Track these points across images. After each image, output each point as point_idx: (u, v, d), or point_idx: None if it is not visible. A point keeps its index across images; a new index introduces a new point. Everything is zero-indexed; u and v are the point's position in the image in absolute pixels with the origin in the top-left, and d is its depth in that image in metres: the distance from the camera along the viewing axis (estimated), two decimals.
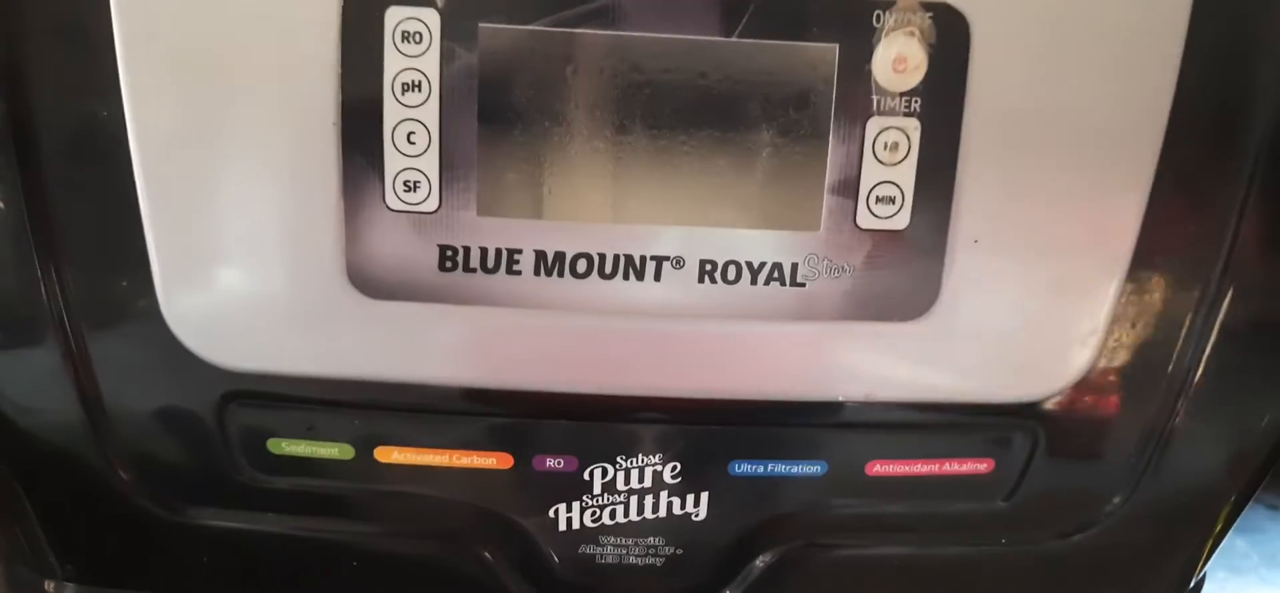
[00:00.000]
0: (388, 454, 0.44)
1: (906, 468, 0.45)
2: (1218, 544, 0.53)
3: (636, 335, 0.41)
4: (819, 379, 0.42)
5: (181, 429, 0.45)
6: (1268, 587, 1.42)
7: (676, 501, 0.46)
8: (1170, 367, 0.44)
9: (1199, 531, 0.50)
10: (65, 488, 0.47)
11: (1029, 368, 0.43)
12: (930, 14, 0.38)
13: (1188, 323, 0.44)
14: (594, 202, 0.39)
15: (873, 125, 0.39)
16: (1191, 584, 0.55)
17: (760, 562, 0.48)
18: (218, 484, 0.46)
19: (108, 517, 0.47)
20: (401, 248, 0.40)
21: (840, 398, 0.43)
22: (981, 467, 0.46)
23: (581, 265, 0.40)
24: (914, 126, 0.39)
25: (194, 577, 0.49)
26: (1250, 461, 0.47)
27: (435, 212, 0.39)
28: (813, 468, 0.45)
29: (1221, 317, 0.43)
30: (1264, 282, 0.44)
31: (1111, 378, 0.43)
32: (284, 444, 0.44)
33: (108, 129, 0.39)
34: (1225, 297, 0.43)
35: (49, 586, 0.50)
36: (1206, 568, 0.57)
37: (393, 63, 0.37)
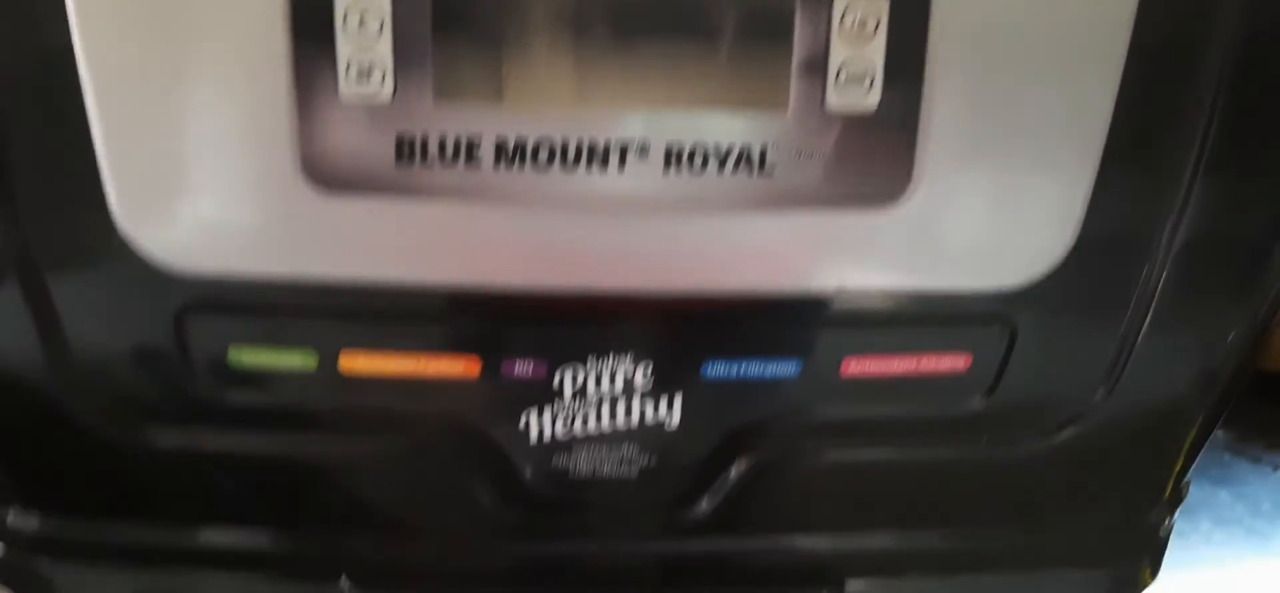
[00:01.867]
0: (352, 362, 0.43)
1: (882, 366, 0.45)
2: (1199, 449, 0.52)
3: (602, 229, 0.40)
4: (791, 270, 0.41)
5: (139, 346, 0.43)
6: (1254, 537, 1.43)
7: (649, 406, 0.45)
8: (1148, 255, 0.43)
9: (1179, 431, 0.50)
10: (22, 413, 0.46)
11: (1005, 255, 0.42)
12: None
13: (1165, 210, 0.43)
14: (555, 85, 0.38)
15: (840, 2, 0.38)
16: (1173, 493, 0.54)
17: (735, 471, 0.47)
18: (178, 402, 0.44)
19: (66, 442, 0.46)
20: (357, 140, 0.38)
21: (813, 290, 0.42)
22: (959, 363, 0.45)
23: (543, 154, 0.39)
24: (883, 3, 0.38)
25: (158, 502, 0.48)
26: (1231, 353, 0.46)
27: (391, 100, 0.38)
28: (786, 368, 0.44)
29: (1198, 200, 0.42)
30: (1238, 167, 0.43)
31: (1089, 266, 0.43)
32: (245, 354, 0.43)
33: (50, 28, 0.37)
34: (1203, 179, 0.42)
35: (10, 515, 0.49)
36: (1190, 482, 0.56)
37: None
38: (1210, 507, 1.49)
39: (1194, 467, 0.54)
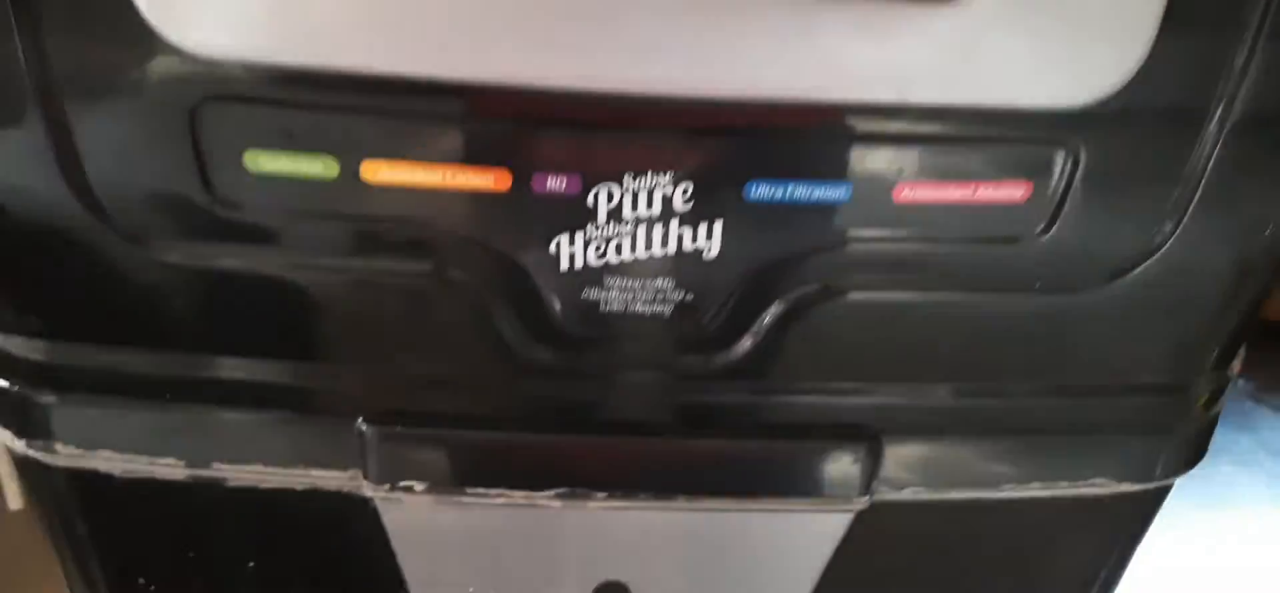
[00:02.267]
0: (375, 171, 0.41)
1: (937, 193, 0.42)
2: (1248, 324, 0.50)
3: (644, 19, 0.38)
4: (843, 73, 0.39)
5: (153, 148, 0.41)
6: (1275, 481, 1.41)
7: (687, 232, 0.42)
8: (1221, 78, 0.41)
9: (1235, 290, 0.47)
10: (31, 230, 0.43)
11: (1072, 69, 0.39)
12: None
13: (1243, 27, 0.40)
14: None
15: None
16: (1219, 367, 0.51)
17: (776, 310, 0.45)
18: (193, 214, 0.42)
19: (78, 260, 0.44)
20: None
21: (866, 99, 0.39)
22: (1018, 192, 0.42)
23: None
24: None
25: (168, 329, 0.46)
26: None
27: None
28: (836, 192, 0.42)
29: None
30: None
31: (1160, 85, 0.40)
32: (262, 159, 0.40)
33: None
34: None
35: (13, 345, 0.47)
36: (1235, 376, 0.54)
37: None
38: (1231, 452, 1.49)
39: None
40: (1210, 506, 1.25)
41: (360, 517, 0.50)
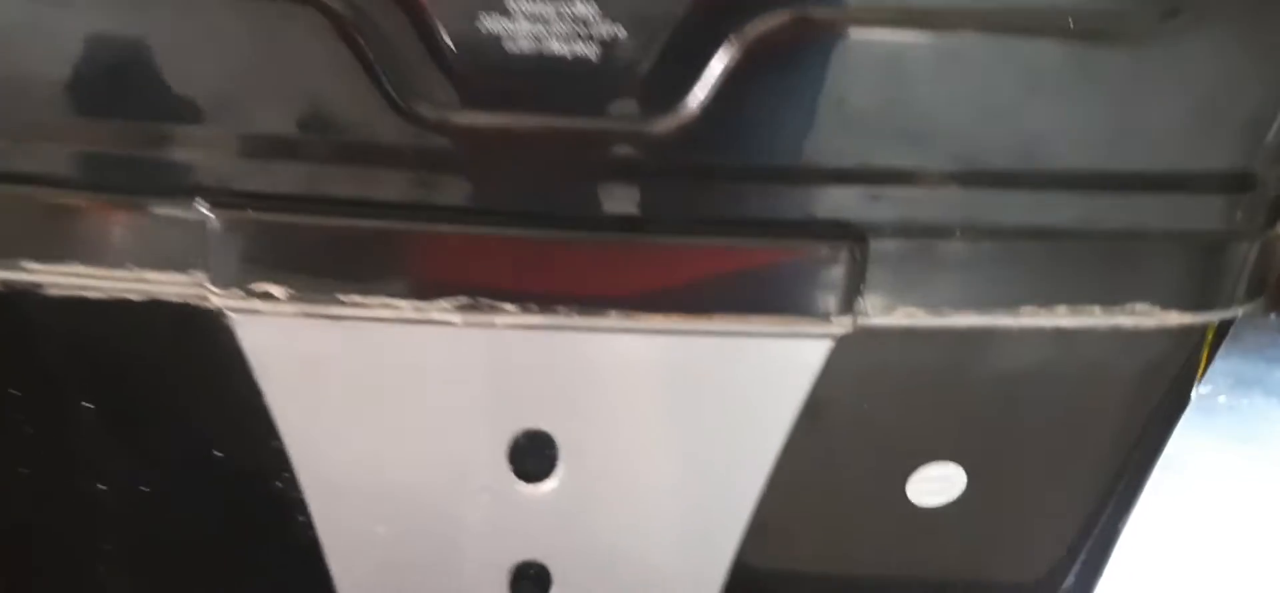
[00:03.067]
0: None
1: None
2: None
3: None
4: None
5: None
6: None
7: None
8: None
9: None
10: None
11: None
12: None
13: None
14: None
15: None
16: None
17: (731, 49, 0.34)
18: None
19: None
20: None
21: None
22: None
23: None
24: None
25: None
26: None
27: None
28: None
29: None
30: None
31: None
32: None
33: None
34: None
35: None
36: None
37: None
38: (1264, 384, 1.41)
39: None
40: (1243, 439, 1.16)
41: (213, 340, 0.40)
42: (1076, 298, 0.41)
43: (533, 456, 0.43)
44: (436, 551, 0.46)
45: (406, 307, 0.38)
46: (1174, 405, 0.49)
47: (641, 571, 0.46)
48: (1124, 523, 0.55)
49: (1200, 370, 0.48)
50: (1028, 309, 0.41)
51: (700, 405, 0.42)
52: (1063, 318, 0.41)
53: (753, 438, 0.43)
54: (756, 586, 0.49)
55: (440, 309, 0.38)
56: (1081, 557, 0.54)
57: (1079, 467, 0.49)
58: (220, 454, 0.44)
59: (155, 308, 0.39)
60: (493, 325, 0.39)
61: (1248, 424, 1.20)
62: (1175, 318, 0.42)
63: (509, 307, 0.38)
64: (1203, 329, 0.44)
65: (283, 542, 0.46)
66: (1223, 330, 0.48)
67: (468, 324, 0.38)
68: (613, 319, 0.39)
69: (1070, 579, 0.54)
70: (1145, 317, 0.42)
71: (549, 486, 0.44)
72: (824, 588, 0.52)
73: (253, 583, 0.49)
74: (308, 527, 0.46)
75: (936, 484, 0.46)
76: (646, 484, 0.44)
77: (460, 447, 0.42)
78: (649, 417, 0.42)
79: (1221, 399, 1.22)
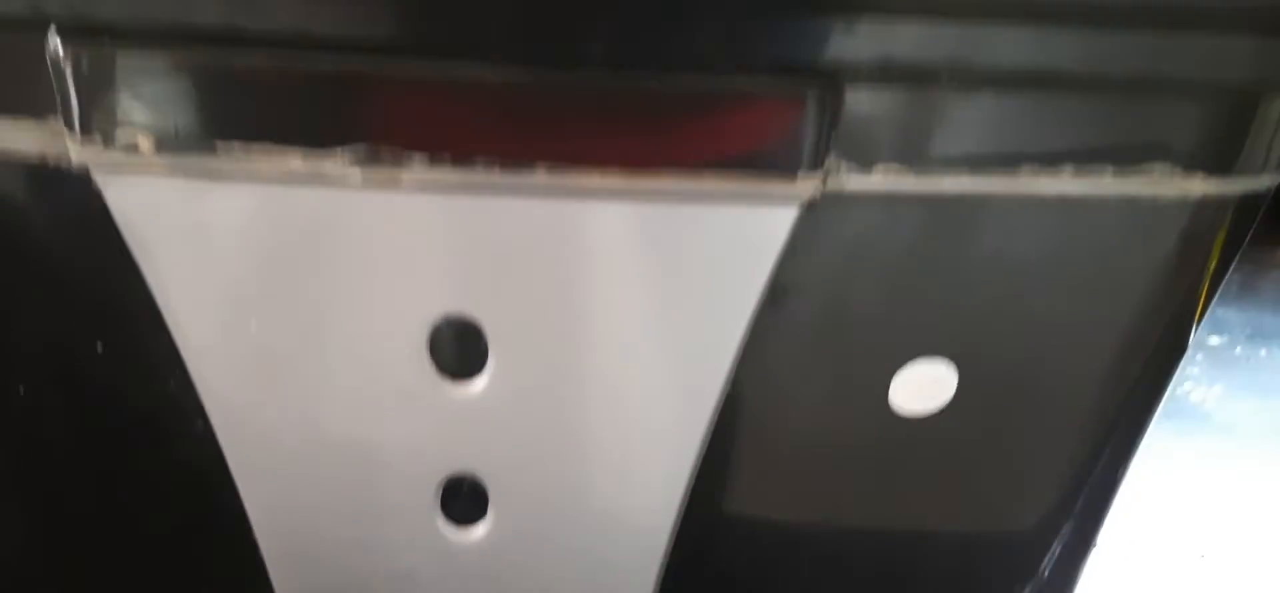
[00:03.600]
0: None
1: None
2: None
3: None
4: None
5: None
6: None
7: None
8: None
9: None
10: None
11: None
12: None
13: None
14: None
15: None
16: None
17: None
18: None
19: None
20: None
21: None
22: None
23: None
24: None
25: None
26: None
27: None
28: None
29: None
30: None
31: None
32: None
33: None
34: None
35: None
36: None
37: None
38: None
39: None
40: (1262, 391, 1.11)
41: (82, 209, 0.34)
42: (1085, 158, 0.35)
43: (457, 348, 0.37)
44: (354, 465, 0.40)
45: (295, 160, 0.32)
46: (1185, 311, 0.43)
47: (588, 486, 0.41)
48: (1124, 469, 0.49)
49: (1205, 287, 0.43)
50: (1027, 171, 0.35)
51: (646, 287, 0.36)
52: (1068, 183, 0.35)
53: (709, 330, 0.37)
54: (715, 513, 0.43)
55: (336, 164, 0.32)
56: (1079, 502, 0.48)
57: (1081, 378, 0.43)
58: (102, 349, 0.39)
59: (13, 167, 0.34)
60: (398, 184, 0.33)
61: (1264, 375, 1.15)
62: (1198, 184, 0.36)
63: (416, 160, 0.32)
64: (1227, 206, 0.38)
65: (182, 457, 0.41)
66: (1226, 262, 0.42)
67: (369, 183, 0.33)
68: (540, 178, 0.33)
69: (1067, 529, 0.49)
70: (1163, 183, 0.36)
71: (478, 385, 0.38)
72: (790, 527, 0.46)
73: (153, 508, 0.44)
74: (209, 439, 0.40)
75: (923, 387, 0.40)
76: (588, 385, 0.38)
77: (371, 339, 0.37)
78: (588, 302, 0.37)
79: (1238, 351, 1.16)
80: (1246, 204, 0.39)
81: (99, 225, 0.34)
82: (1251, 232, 0.42)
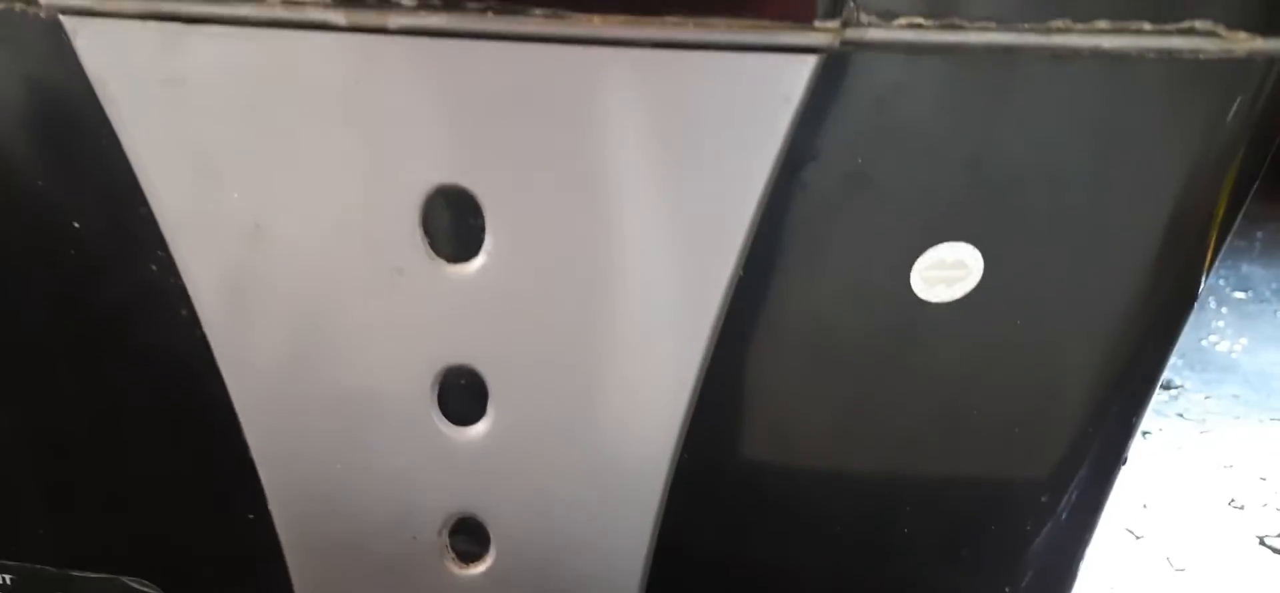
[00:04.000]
0: None
1: None
2: None
3: None
4: None
5: None
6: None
7: None
8: None
9: None
10: None
11: None
12: None
13: None
14: None
15: None
16: None
17: None
18: None
19: None
20: None
21: None
22: None
23: None
24: None
25: None
26: None
27: None
28: None
29: None
30: None
31: None
32: None
33: None
34: None
35: None
36: None
37: None
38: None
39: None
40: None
41: (48, 59, 0.32)
42: (1121, 10, 0.32)
43: (453, 227, 0.35)
44: (344, 353, 0.38)
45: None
46: (1223, 189, 0.40)
47: (591, 377, 0.39)
48: (1139, 415, 0.46)
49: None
50: (1060, 25, 0.33)
51: (652, 147, 0.34)
52: (1103, 38, 0.33)
53: (720, 200, 0.35)
54: (726, 408, 0.41)
55: (318, 3, 0.30)
56: (1099, 437, 0.45)
57: (1110, 263, 0.41)
58: (78, 225, 0.37)
59: None
60: (385, 27, 0.31)
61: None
62: (1242, 41, 0.34)
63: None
64: (1273, 66, 0.36)
65: (166, 348, 0.39)
66: (1269, 133, 0.39)
67: (354, 24, 0.31)
68: (536, 22, 0.31)
69: (1084, 470, 0.46)
70: (1205, 39, 0.33)
71: (475, 264, 0.36)
72: (803, 427, 0.44)
73: (136, 403, 0.42)
74: (194, 327, 0.38)
75: (947, 271, 0.38)
76: (590, 263, 0.36)
77: (360, 210, 0.35)
78: (588, 165, 0.34)
79: (1264, 305, 1.14)
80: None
81: (70, 81, 0.32)
82: None
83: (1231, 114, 0.36)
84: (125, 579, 0.46)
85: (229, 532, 0.44)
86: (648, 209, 0.35)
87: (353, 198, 0.35)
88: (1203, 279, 0.44)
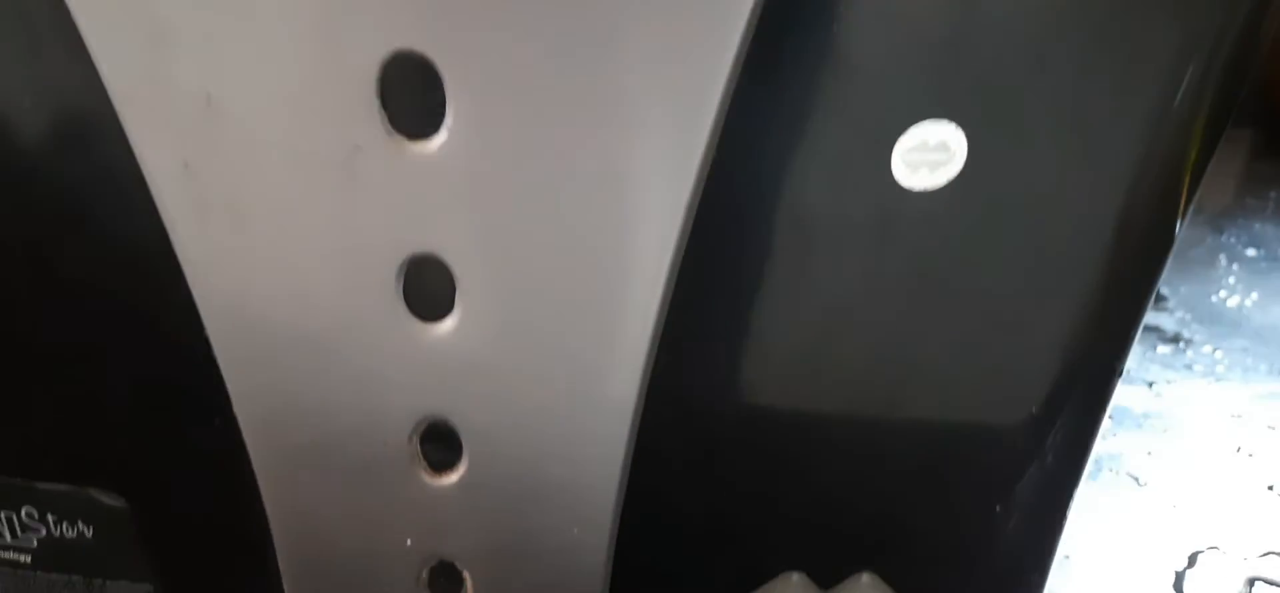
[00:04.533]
0: None
1: None
2: None
3: None
4: None
5: None
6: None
7: None
8: None
9: None
10: None
11: None
12: None
13: None
14: None
15: None
16: None
17: None
18: None
19: None
20: None
21: None
22: None
23: None
24: None
25: None
26: None
27: None
28: None
29: None
30: None
31: None
32: None
33: None
34: None
35: None
36: None
37: None
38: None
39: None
40: None
41: None
42: None
43: (413, 100, 0.34)
44: (305, 243, 0.37)
45: None
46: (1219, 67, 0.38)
47: (559, 264, 0.37)
48: (1124, 348, 0.44)
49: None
50: None
51: (614, 16, 0.32)
52: None
53: (690, 74, 0.34)
54: (701, 305, 0.40)
55: None
56: (1088, 368, 0.43)
57: (1102, 146, 0.39)
58: (30, 104, 0.35)
59: None
60: None
61: None
62: None
63: None
64: None
65: (122, 235, 0.38)
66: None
67: None
68: None
69: (1070, 402, 0.44)
70: None
71: (436, 141, 0.35)
72: (780, 339, 0.42)
73: (92, 294, 0.41)
74: (150, 215, 0.37)
75: (929, 153, 0.37)
76: (555, 146, 0.35)
77: (314, 85, 0.33)
78: (549, 35, 0.33)
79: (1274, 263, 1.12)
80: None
81: None
82: None
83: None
84: (91, 491, 0.45)
85: (195, 439, 0.43)
86: (615, 80, 0.34)
87: (307, 65, 0.33)
88: (1186, 202, 0.42)
